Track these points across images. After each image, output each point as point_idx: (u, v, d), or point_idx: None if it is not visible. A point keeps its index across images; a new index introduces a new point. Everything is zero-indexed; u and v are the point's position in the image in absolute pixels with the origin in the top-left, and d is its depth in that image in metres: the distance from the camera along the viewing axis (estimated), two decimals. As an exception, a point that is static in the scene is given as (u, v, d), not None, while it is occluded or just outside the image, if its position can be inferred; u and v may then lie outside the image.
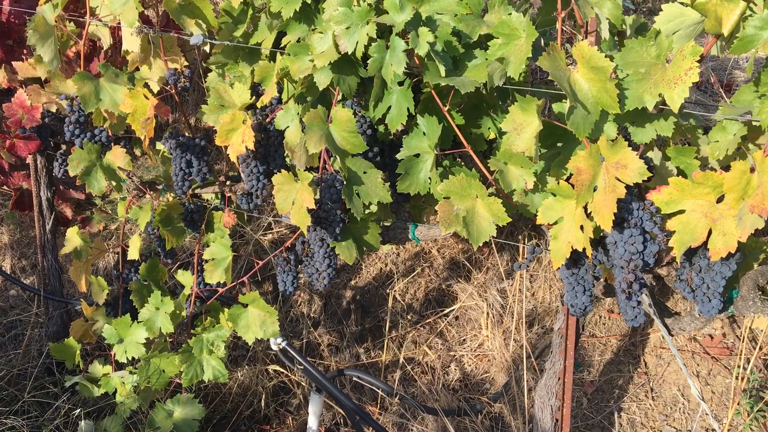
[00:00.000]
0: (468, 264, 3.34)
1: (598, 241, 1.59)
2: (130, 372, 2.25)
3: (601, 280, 1.86)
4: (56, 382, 2.81)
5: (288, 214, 1.77)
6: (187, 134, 2.09)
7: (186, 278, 2.23)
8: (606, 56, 1.40)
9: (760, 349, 2.76)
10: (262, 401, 2.95)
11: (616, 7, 1.53)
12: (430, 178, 1.74)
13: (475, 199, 1.61)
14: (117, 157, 2.13)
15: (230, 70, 2.09)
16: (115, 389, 2.25)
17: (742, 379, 2.65)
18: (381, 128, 1.87)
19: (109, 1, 1.90)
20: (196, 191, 2.29)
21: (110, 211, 3.55)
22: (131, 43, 2.02)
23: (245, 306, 2.03)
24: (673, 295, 3.03)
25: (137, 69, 2.11)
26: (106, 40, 2.20)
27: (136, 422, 2.58)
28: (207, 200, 2.36)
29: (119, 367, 2.27)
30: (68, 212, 2.84)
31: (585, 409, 2.83)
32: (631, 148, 1.39)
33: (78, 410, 2.59)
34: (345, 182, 1.79)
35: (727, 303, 1.63)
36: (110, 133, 2.17)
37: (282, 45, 1.90)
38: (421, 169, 1.74)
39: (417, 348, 3.14)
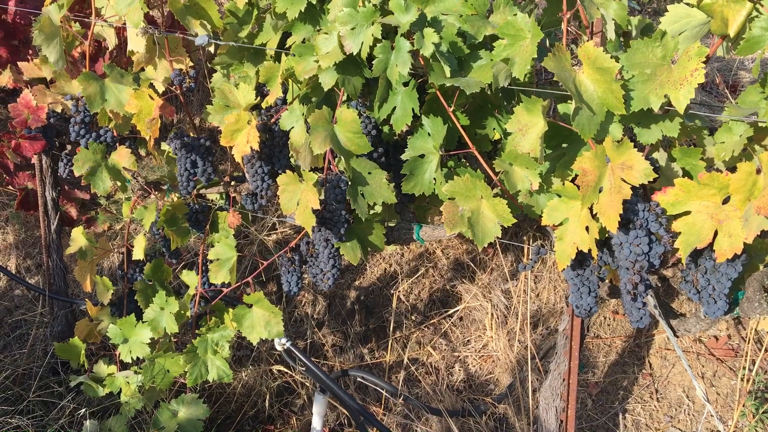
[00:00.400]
0: (472, 265, 3.34)
1: (604, 242, 1.59)
2: (135, 372, 2.25)
3: (606, 281, 1.85)
4: (61, 381, 2.82)
5: (293, 215, 1.77)
6: (191, 134, 2.09)
7: (191, 278, 2.23)
8: (611, 57, 1.40)
9: (766, 350, 2.76)
10: (267, 401, 2.95)
11: (622, 7, 1.52)
12: (434, 178, 1.74)
13: (480, 199, 1.61)
14: (122, 157, 2.13)
15: (235, 70, 2.09)
16: (120, 389, 2.26)
17: (748, 380, 2.65)
18: (386, 129, 1.87)
19: (114, 1, 1.91)
20: (201, 191, 2.29)
21: (115, 211, 3.56)
22: (136, 44, 2.03)
23: (250, 306, 2.03)
24: (678, 297, 3.02)
25: (142, 69, 2.11)
26: (111, 41, 2.20)
27: (141, 422, 2.58)
28: (212, 200, 2.36)
29: (124, 366, 2.27)
30: (73, 212, 2.85)
31: (590, 411, 2.83)
32: (636, 149, 1.39)
33: (83, 410, 2.60)
34: (350, 183, 1.79)
35: (733, 304, 1.62)
36: (115, 134, 2.18)
37: (287, 46, 1.90)
38: (425, 169, 1.74)
39: (421, 348, 3.13)
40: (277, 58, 1.97)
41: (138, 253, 2.30)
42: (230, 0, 2.03)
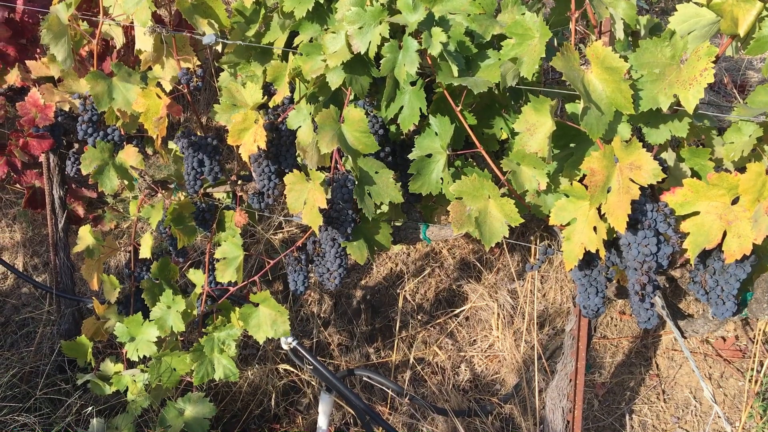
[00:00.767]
0: (479, 264, 3.33)
1: (612, 242, 1.58)
2: (142, 370, 2.25)
3: (614, 281, 1.85)
4: (68, 379, 2.83)
5: (299, 214, 1.77)
6: (199, 133, 2.09)
7: (197, 277, 2.23)
8: (620, 57, 1.39)
9: (774, 351, 2.74)
10: (273, 400, 2.95)
11: (631, 7, 1.52)
12: (442, 178, 1.73)
13: (488, 199, 1.60)
14: (129, 155, 2.13)
15: (242, 69, 2.09)
16: (127, 387, 2.26)
17: (756, 382, 2.63)
18: (393, 128, 1.87)
19: (122, 0, 1.91)
20: (208, 190, 2.30)
21: (122, 210, 3.57)
22: (144, 43, 2.03)
23: (256, 305, 2.03)
24: (685, 297, 3.01)
25: (150, 68, 2.12)
26: (119, 40, 2.21)
27: (147, 420, 2.59)
28: (218, 199, 2.37)
29: (131, 365, 2.28)
30: (80, 210, 2.86)
31: (596, 411, 2.82)
32: (645, 149, 1.38)
33: (90, 408, 2.60)
34: (356, 182, 1.79)
35: (741, 305, 1.62)
36: (123, 132, 2.18)
37: (294, 45, 1.89)
38: (433, 169, 1.74)
39: (427, 348, 3.13)
40: (284, 57, 1.97)
41: (145, 252, 2.30)
42: (238, -1, 2.03)
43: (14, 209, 3.81)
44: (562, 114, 1.62)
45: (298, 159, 1.97)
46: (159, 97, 1.93)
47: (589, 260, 1.62)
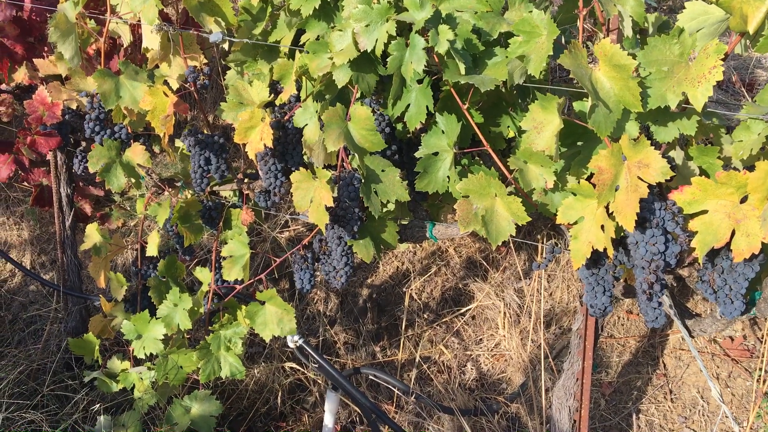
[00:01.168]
0: (485, 263, 3.32)
1: (619, 241, 1.57)
2: (149, 368, 2.26)
3: (621, 280, 1.84)
4: (75, 376, 2.84)
5: (306, 212, 1.77)
6: (205, 132, 2.10)
7: (204, 275, 2.23)
8: (628, 54, 1.38)
9: (782, 351, 2.73)
10: (279, 398, 2.96)
11: (639, 4, 1.51)
12: (448, 176, 1.73)
13: (494, 198, 1.60)
14: (136, 154, 2.14)
15: (249, 67, 2.09)
16: (134, 385, 2.27)
17: (764, 381, 2.62)
18: (399, 126, 1.86)
19: (129, -2, 1.91)
20: (215, 188, 2.30)
21: (129, 208, 3.58)
22: (151, 41, 2.03)
23: (262, 303, 2.03)
24: (693, 296, 2.99)
25: (157, 66, 2.12)
26: (126, 38, 2.21)
27: (154, 418, 2.60)
28: (225, 197, 2.37)
29: (137, 362, 2.28)
30: (87, 208, 2.86)
31: (603, 411, 2.81)
32: (653, 147, 1.38)
33: (97, 405, 2.61)
34: (363, 180, 1.78)
35: (750, 305, 1.61)
36: (130, 130, 2.18)
37: (301, 43, 1.89)
38: (439, 167, 1.73)
39: (433, 347, 3.13)
40: (291, 55, 1.97)
41: (152, 250, 2.31)
42: (244, -3, 2.03)
43: (22, 207, 3.82)
44: (569, 112, 1.62)
45: (305, 157, 1.97)
46: (166, 95, 1.93)
47: (596, 259, 1.62)
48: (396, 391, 2.88)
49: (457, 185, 1.60)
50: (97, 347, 2.38)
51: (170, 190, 2.40)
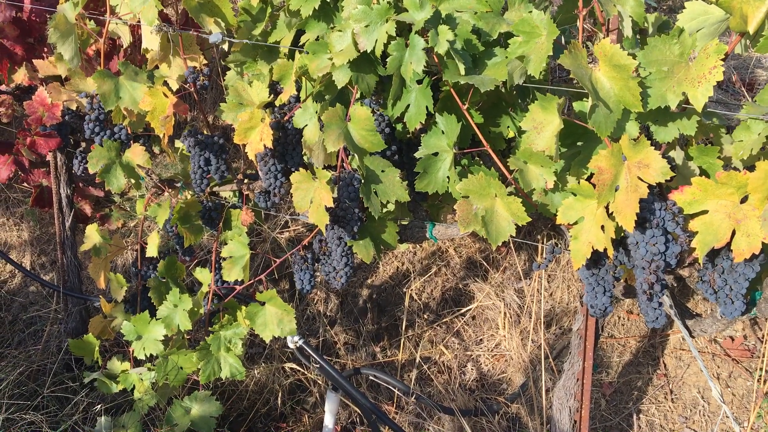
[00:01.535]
0: (485, 263, 3.32)
1: (619, 241, 1.57)
2: (149, 369, 2.26)
3: (621, 280, 1.84)
4: (75, 377, 2.83)
5: (306, 213, 1.76)
6: (205, 132, 2.09)
7: (204, 276, 2.23)
8: (628, 54, 1.38)
9: (782, 351, 2.73)
10: (279, 399, 2.95)
11: (639, 4, 1.51)
12: (448, 177, 1.73)
13: (494, 198, 1.60)
14: (136, 154, 2.14)
15: (249, 68, 2.09)
16: (134, 386, 2.27)
17: (764, 381, 2.62)
18: (399, 127, 1.86)
19: (129, -1, 1.91)
20: (215, 189, 2.30)
21: (129, 209, 3.58)
22: (151, 42, 2.03)
23: (262, 304, 2.03)
24: (693, 296, 2.99)
25: (156, 67, 2.12)
26: (125, 39, 2.21)
27: (154, 419, 2.59)
28: (225, 198, 2.37)
29: (137, 363, 2.28)
30: (87, 209, 2.86)
31: (603, 411, 2.81)
32: (653, 147, 1.38)
33: (97, 406, 2.61)
34: (363, 181, 1.78)
35: (750, 305, 1.61)
36: (129, 131, 2.18)
37: (301, 43, 1.89)
38: (439, 167, 1.73)
39: (433, 347, 3.13)
40: (290, 55, 1.97)
41: (152, 251, 2.30)
42: (244, -3, 2.03)
43: (22, 208, 3.82)
44: (569, 112, 1.62)
45: (305, 158, 1.97)
46: (166, 95, 1.93)
47: (596, 259, 1.62)
48: (396, 392, 2.88)
49: (457, 185, 1.60)
50: (97, 348, 2.37)
51: (170, 190, 2.39)
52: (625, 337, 3.04)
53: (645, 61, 1.42)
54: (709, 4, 1.43)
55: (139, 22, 2.05)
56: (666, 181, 1.38)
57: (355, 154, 1.74)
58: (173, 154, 2.32)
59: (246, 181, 2.25)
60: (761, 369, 2.69)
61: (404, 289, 3.33)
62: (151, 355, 2.17)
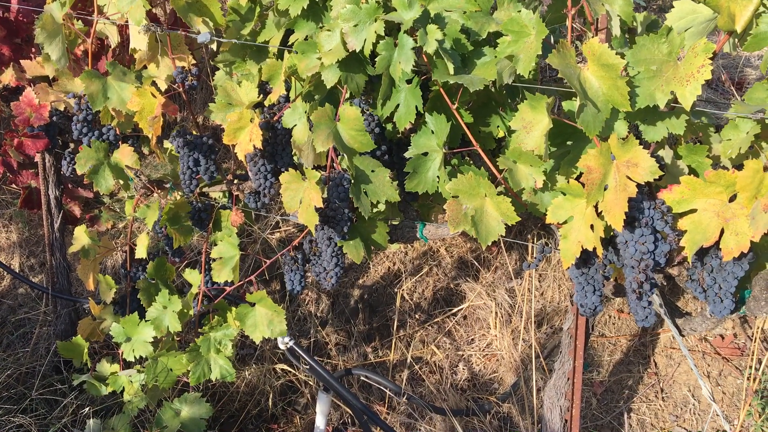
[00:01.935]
0: (476, 263, 3.32)
1: (609, 240, 1.57)
2: (138, 371, 2.24)
3: (611, 279, 1.84)
4: (64, 380, 2.82)
5: (296, 213, 1.76)
6: (194, 133, 2.08)
7: (193, 277, 2.22)
8: (617, 53, 1.38)
9: (772, 349, 2.74)
10: (270, 400, 2.95)
11: (627, 3, 1.51)
12: (438, 176, 1.73)
13: (484, 197, 1.60)
14: (125, 155, 2.12)
15: (238, 68, 2.08)
16: (123, 388, 2.25)
17: (754, 379, 2.63)
18: (389, 126, 1.86)
19: (116, -1, 1.90)
20: (204, 190, 2.29)
21: (118, 210, 3.56)
22: (139, 42, 2.02)
23: (253, 305, 2.02)
24: (683, 295, 3.00)
25: (145, 67, 2.11)
26: (113, 39, 2.20)
27: (144, 421, 2.58)
28: (215, 199, 2.36)
29: (127, 365, 2.27)
30: (76, 210, 2.85)
31: (594, 410, 2.81)
32: (642, 146, 1.38)
33: (86, 408, 2.59)
34: (353, 181, 1.78)
35: (739, 303, 1.61)
36: (118, 132, 2.17)
37: (290, 43, 1.89)
38: (429, 167, 1.73)
39: (425, 347, 3.13)
40: (279, 55, 1.97)
41: (141, 252, 2.29)
42: (233, -3, 2.02)
43: (10, 209, 3.80)
44: (559, 111, 1.62)
45: (294, 158, 1.96)
46: (154, 96, 1.92)
47: (586, 258, 1.62)
48: (388, 392, 2.87)
49: (447, 185, 1.60)
50: (86, 350, 2.36)
51: (159, 191, 2.38)
52: (615, 336, 3.04)
53: (633, 60, 1.42)
54: (698, 3, 1.43)
55: (127, 22, 2.04)
56: (655, 180, 1.38)
57: (345, 155, 1.73)
58: (162, 155, 2.31)
59: (236, 181, 2.24)
60: (751, 367, 2.70)
61: (395, 290, 3.32)
62: (141, 357, 2.15)
